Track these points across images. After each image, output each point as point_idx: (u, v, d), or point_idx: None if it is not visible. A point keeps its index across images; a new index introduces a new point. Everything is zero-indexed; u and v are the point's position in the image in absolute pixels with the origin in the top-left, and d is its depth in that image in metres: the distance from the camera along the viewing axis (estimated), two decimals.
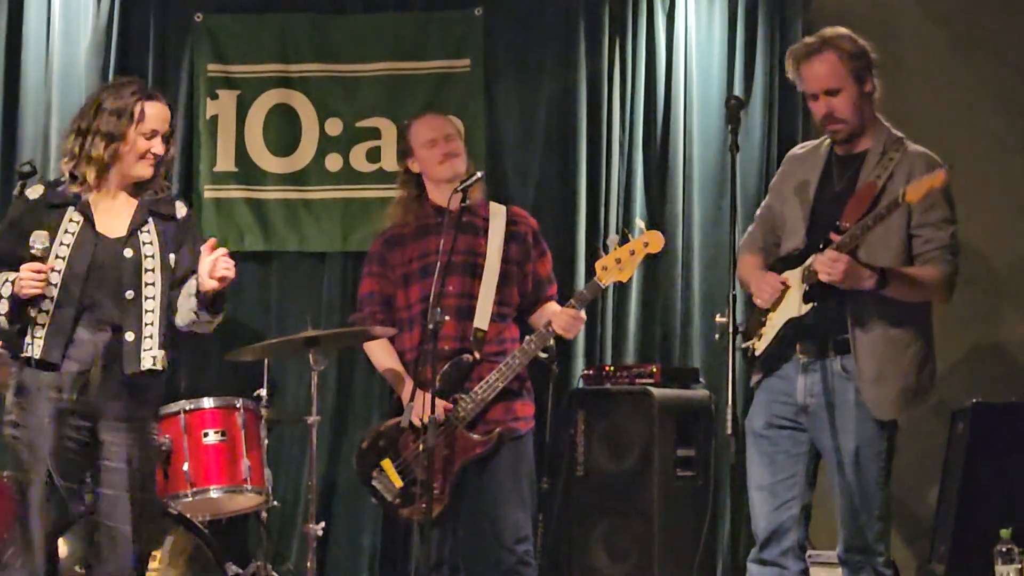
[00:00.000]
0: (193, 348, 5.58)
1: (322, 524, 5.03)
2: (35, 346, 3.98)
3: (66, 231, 4.04)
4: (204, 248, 4.01)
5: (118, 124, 4.05)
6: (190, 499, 4.95)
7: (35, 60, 5.85)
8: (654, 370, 5.30)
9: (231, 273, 3.99)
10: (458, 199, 4.26)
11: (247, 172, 5.92)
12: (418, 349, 4.42)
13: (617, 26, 5.86)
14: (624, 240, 4.40)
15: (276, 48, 5.94)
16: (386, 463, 4.42)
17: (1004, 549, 4.48)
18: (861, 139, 3.99)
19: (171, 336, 4.14)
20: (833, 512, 3.96)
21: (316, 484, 4.94)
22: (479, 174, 4.35)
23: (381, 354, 4.60)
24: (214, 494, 5.01)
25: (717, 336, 4.24)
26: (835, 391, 3.90)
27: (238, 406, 5.11)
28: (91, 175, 4.06)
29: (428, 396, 4.16)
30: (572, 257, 5.71)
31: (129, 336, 4.01)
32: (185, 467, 4.96)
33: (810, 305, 3.89)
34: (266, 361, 5.25)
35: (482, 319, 4.45)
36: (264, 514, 5.21)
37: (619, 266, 4.35)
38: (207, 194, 5.87)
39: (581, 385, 5.53)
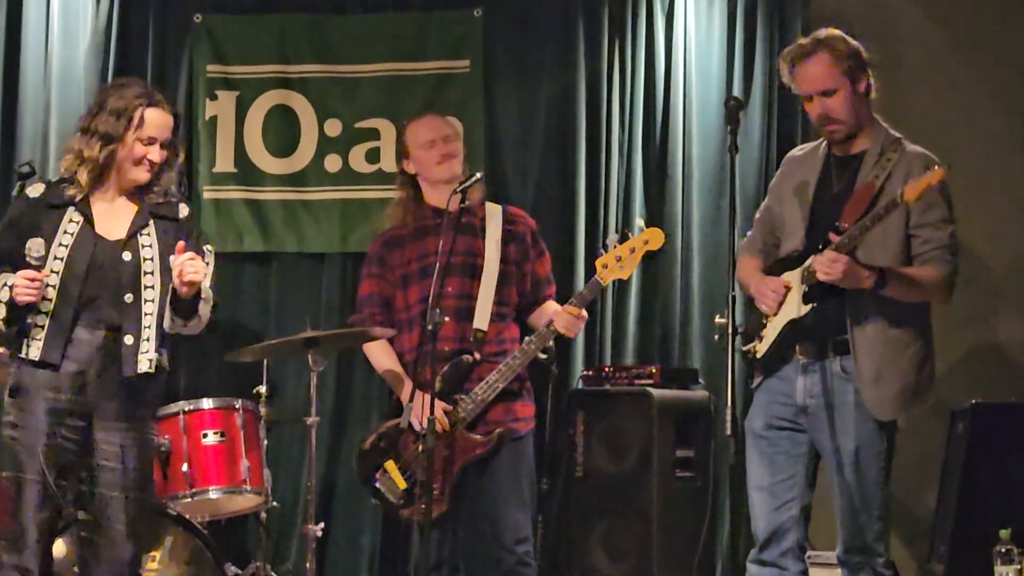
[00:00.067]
0: (193, 349, 5.58)
1: (321, 525, 5.03)
2: (34, 347, 3.99)
3: (65, 231, 4.04)
4: (176, 253, 3.98)
5: (116, 125, 4.05)
6: (189, 500, 4.95)
7: (34, 60, 5.85)
8: (653, 371, 5.30)
9: (199, 277, 3.95)
10: (457, 200, 4.26)
11: (246, 173, 5.92)
12: (417, 350, 4.42)
13: (616, 27, 5.86)
14: (624, 238, 4.40)
15: (275, 49, 5.94)
16: (389, 464, 4.42)
17: (1003, 550, 4.48)
18: (859, 139, 3.98)
19: (171, 336, 4.14)
20: (833, 512, 3.96)
21: (315, 485, 4.95)
22: (479, 175, 4.35)
23: (380, 355, 4.60)
24: (213, 495, 5.00)
25: (716, 337, 4.25)
26: (834, 392, 3.90)
27: (237, 407, 5.10)
28: (83, 176, 4.05)
29: (427, 397, 4.16)
30: (572, 257, 5.71)
31: (128, 339, 4.01)
32: (184, 468, 4.95)
33: (810, 306, 3.89)
34: (265, 362, 5.25)
35: (482, 320, 4.45)
36: (263, 515, 5.21)
37: (619, 264, 4.35)
38: (206, 195, 5.87)
39: (580, 386, 5.53)
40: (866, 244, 3.81)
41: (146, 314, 4.03)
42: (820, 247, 3.84)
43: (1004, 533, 4.49)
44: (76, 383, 3.99)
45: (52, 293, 3.98)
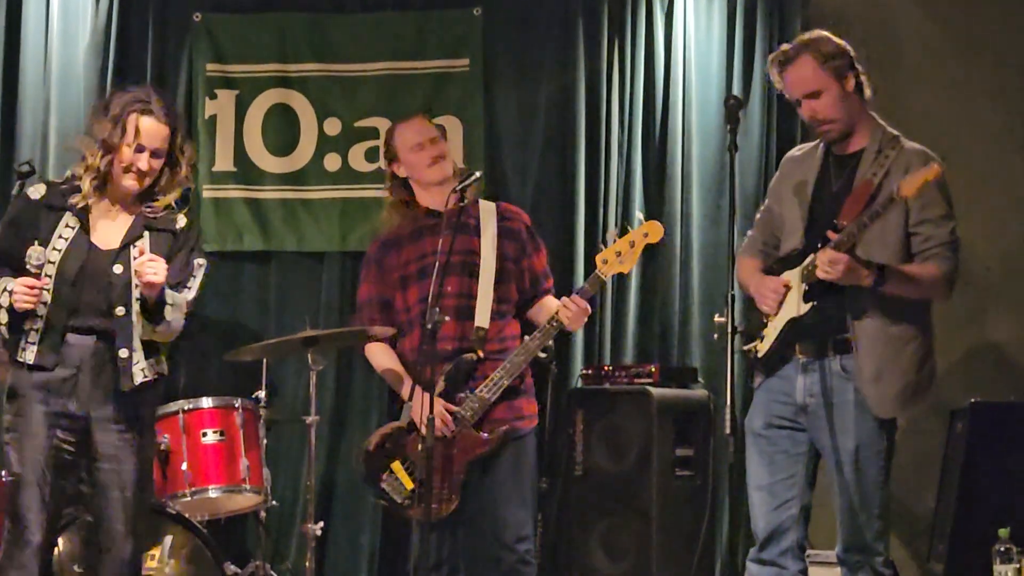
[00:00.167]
0: (192, 348, 5.58)
1: (320, 524, 5.02)
2: (29, 351, 4.00)
3: (60, 236, 4.04)
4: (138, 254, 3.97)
5: (112, 133, 4.04)
6: (189, 499, 4.95)
7: (34, 59, 5.84)
8: (653, 370, 5.30)
9: (158, 279, 3.93)
10: (457, 199, 4.25)
11: (246, 172, 5.92)
12: (419, 350, 4.41)
13: (616, 26, 5.86)
14: (624, 232, 4.39)
15: (275, 48, 5.94)
16: (396, 465, 4.41)
17: (1003, 548, 4.47)
18: (855, 138, 3.98)
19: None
20: (832, 512, 3.96)
21: (315, 484, 4.95)
22: (478, 174, 4.34)
23: (381, 356, 4.58)
24: (213, 494, 5.01)
25: (716, 336, 4.24)
26: (834, 391, 3.90)
27: (237, 406, 5.11)
28: (86, 184, 4.05)
29: (428, 396, 4.16)
30: (571, 257, 5.71)
31: (123, 352, 4.00)
32: (184, 467, 4.96)
33: (810, 304, 3.89)
34: (264, 361, 5.25)
35: (482, 318, 4.44)
36: (263, 514, 5.21)
37: (619, 259, 4.34)
38: (206, 194, 5.86)
39: (580, 385, 5.53)
40: (865, 241, 3.81)
41: (137, 327, 4.02)
42: (819, 245, 3.84)
43: (1003, 532, 4.49)
44: (70, 387, 3.99)
45: (47, 296, 3.98)
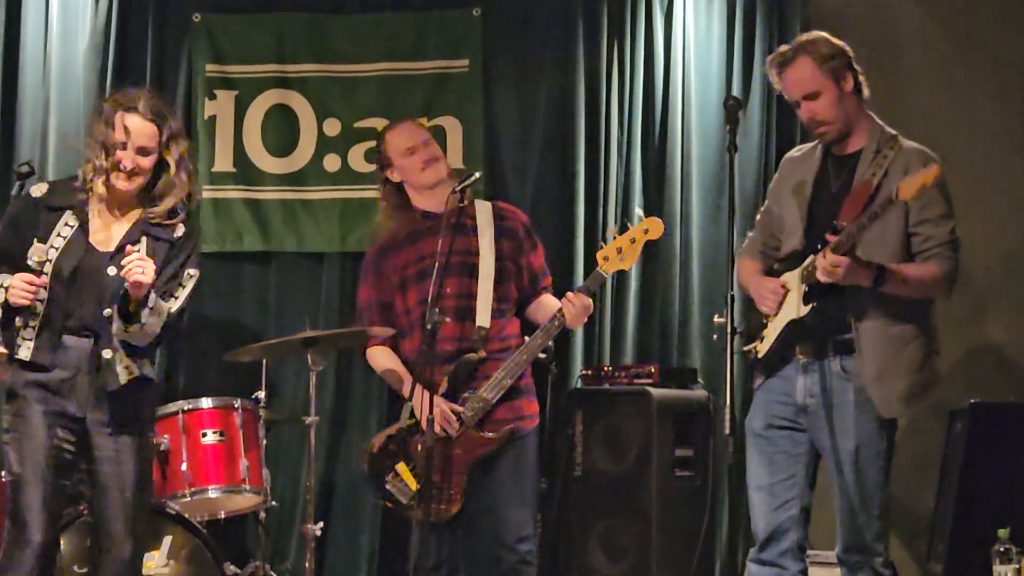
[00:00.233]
0: (192, 348, 5.59)
1: (320, 524, 5.02)
2: (24, 348, 3.99)
3: (59, 235, 4.04)
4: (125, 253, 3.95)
5: (105, 133, 4.04)
6: (188, 499, 4.95)
7: (33, 59, 5.84)
8: (652, 370, 5.30)
9: (144, 278, 3.89)
10: (456, 199, 4.25)
11: (245, 172, 5.92)
12: (419, 352, 4.41)
13: (615, 26, 5.86)
14: (624, 228, 4.38)
15: (274, 48, 5.94)
16: (401, 467, 4.41)
17: (1002, 549, 4.48)
18: (853, 138, 3.98)
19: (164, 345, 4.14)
20: (832, 512, 3.96)
21: (314, 484, 4.94)
22: (477, 174, 4.34)
23: (381, 357, 4.57)
24: (212, 494, 5.01)
25: (715, 337, 4.24)
26: (834, 391, 3.90)
27: (236, 406, 5.11)
28: (98, 184, 4.04)
29: (428, 396, 4.16)
30: (571, 257, 5.71)
31: (107, 353, 4.00)
32: (183, 467, 4.95)
33: (810, 306, 3.89)
34: (264, 361, 5.25)
35: (483, 317, 4.43)
36: (262, 514, 5.21)
37: (620, 255, 4.33)
38: (205, 194, 5.85)
39: (579, 385, 5.53)
40: (865, 242, 3.81)
41: None
42: (819, 246, 3.84)
43: (1003, 532, 4.49)
44: (68, 388, 3.99)
45: (43, 294, 3.98)
